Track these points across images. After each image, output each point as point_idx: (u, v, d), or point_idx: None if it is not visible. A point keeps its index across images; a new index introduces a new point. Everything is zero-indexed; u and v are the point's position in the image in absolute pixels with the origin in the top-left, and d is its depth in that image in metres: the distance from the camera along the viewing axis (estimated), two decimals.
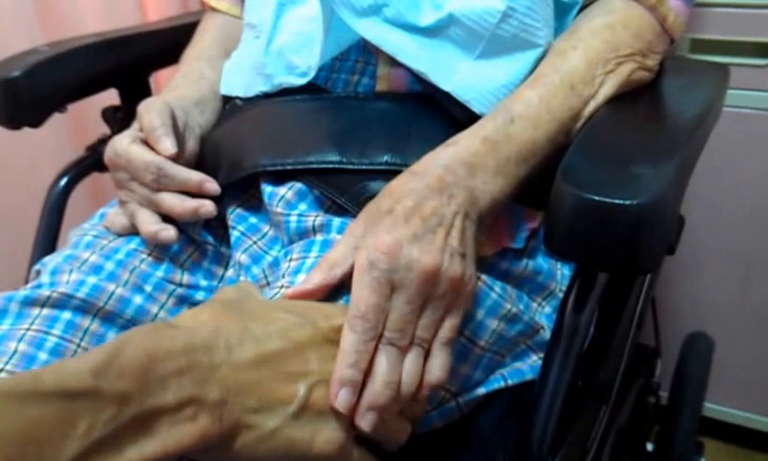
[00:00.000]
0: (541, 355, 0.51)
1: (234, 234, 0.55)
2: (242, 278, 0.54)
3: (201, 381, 0.32)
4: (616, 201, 0.38)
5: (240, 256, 0.54)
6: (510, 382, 0.48)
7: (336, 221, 0.48)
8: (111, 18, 0.98)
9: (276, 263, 0.50)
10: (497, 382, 0.48)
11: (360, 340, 0.37)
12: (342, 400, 0.36)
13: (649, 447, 0.82)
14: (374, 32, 0.51)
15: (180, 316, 0.37)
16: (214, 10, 0.73)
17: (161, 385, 0.31)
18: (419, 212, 0.40)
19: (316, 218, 0.49)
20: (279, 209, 0.51)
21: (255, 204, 0.56)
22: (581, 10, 0.56)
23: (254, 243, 0.54)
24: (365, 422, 0.37)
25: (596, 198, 0.38)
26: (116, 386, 0.29)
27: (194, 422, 0.32)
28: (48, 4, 0.94)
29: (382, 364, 0.38)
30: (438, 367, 0.40)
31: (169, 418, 0.31)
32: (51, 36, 0.78)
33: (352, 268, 0.40)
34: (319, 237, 0.48)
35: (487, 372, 0.48)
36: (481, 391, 0.48)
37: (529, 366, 0.50)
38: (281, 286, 0.45)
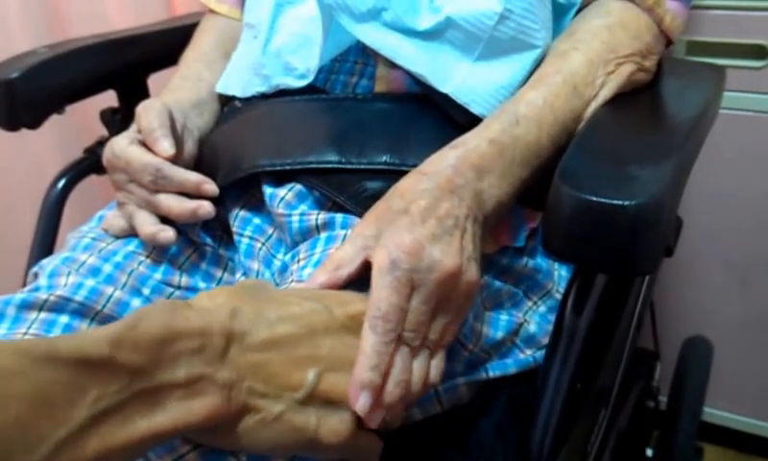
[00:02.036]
0: (527, 352, 0.51)
1: (243, 242, 0.55)
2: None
3: (212, 361, 0.33)
4: (614, 201, 0.38)
5: (254, 265, 0.54)
6: (491, 374, 0.48)
7: (339, 217, 0.48)
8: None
9: (284, 268, 0.50)
10: (478, 374, 0.48)
11: (381, 341, 0.37)
12: (362, 403, 0.36)
13: (649, 452, 0.82)
14: (373, 36, 0.51)
15: (198, 296, 0.37)
16: (214, 12, 0.73)
17: (174, 362, 0.31)
18: (434, 213, 0.40)
19: (318, 216, 0.49)
20: (281, 210, 0.51)
21: (257, 204, 0.56)
22: (578, 12, 0.56)
23: (263, 245, 0.54)
24: (372, 419, 0.37)
25: (594, 198, 0.38)
26: (131, 358, 0.30)
27: (203, 399, 0.32)
28: (60, 7, 0.94)
29: (396, 364, 0.37)
30: (434, 367, 0.40)
31: (179, 393, 0.31)
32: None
33: (359, 269, 0.40)
34: (323, 234, 0.48)
35: (469, 367, 0.48)
36: (461, 381, 0.47)
37: (513, 361, 0.50)
38: (291, 281, 0.45)
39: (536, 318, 0.52)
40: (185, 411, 0.31)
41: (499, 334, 0.49)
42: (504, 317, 0.50)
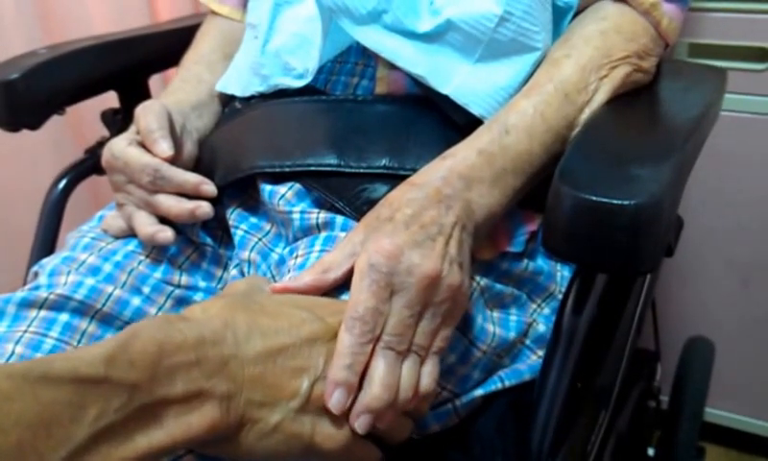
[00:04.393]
0: (539, 353, 0.51)
1: (238, 234, 0.55)
2: (253, 273, 0.54)
3: (209, 374, 0.33)
4: (614, 201, 0.38)
5: (250, 255, 0.54)
6: (507, 383, 0.48)
7: (339, 219, 0.48)
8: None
9: (281, 261, 0.50)
10: (494, 384, 0.48)
11: (356, 342, 0.37)
12: (335, 400, 0.36)
13: (650, 452, 0.82)
14: (373, 38, 0.51)
15: (191, 309, 0.38)
16: (215, 13, 0.73)
17: (170, 377, 0.31)
18: (418, 220, 0.40)
19: (318, 215, 0.49)
20: (282, 207, 0.51)
21: (254, 204, 0.57)
22: (576, 14, 0.56)
23: (260, 240, 0.54)
24: (359, 424, 0.37)
25: (594, 198, 0.38)
26: (127, 375, 0.30)
27: (202, 413, 0.32)
28: (52, 8, 0.94)
29: (380, 367, 0.38)
30: (427, 374, 0.40)
31: (177, 408, 0.31)
32: (55, 40, 0.78)
33: (345, 274, 0.41)
34: (322, 233, 0.48)
35: (485, 373, 0.48)
36: (479, 393, 0.48)
37: (528, 366, 0.50)
38: (288, 278, 0.45)
39: (542, 319, 0.52)
40: (184, 426, 0.31)
41: (511, 335, 0.49)
42: (513, 318, 0.50)
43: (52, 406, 0.27)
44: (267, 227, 0.55)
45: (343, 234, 0.47)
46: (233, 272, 0.56)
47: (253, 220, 0.56)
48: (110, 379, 0.29)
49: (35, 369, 0.28)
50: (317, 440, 0.36)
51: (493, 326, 0.48)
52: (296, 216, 0.50)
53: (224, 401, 0.33)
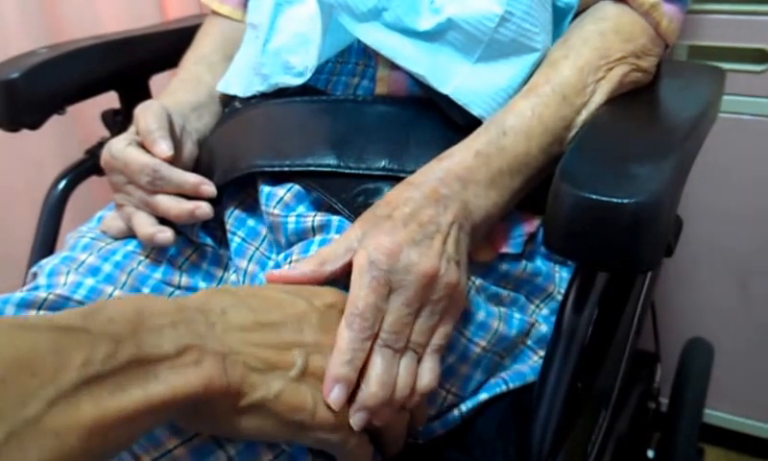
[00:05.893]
0: (541, 354, 0.51)
1: (235, 241, 0.55)
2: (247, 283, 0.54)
3: (197, 334, 0.32)
4: (614, 199, 0.38)
5: (248, 266, 0.54)
6: (511, 385, 0.48)
7: (335, 220, 0.48)
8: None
9: (277, 268, 0.50)
10: (499, 386, 0.48)
11: (356, 338, 0.37)
12: (335, 397, 0.36)
13: (650, 453, 0.82)
14: (374, 36, 0.51)
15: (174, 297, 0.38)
16: (216, 13, 0.73)
17: (156, 334, 0.31)
18: (416, 219, 0.41)
19: (315, 218, 0.49)
20: (277, 211, 0.51)
21: (252, 204, 0.56)
22: (576, 15, 0.56)
23: (257, 249, 0.54)
24: (355, 420, 0.37)
25: (594, 197, 0.38)
26: (107, 328, 0.29)
27: (198, 367, 0.32)
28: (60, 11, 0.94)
29: (377, 365, 0.38)
30: (428, 371, 0.40)
31: (171, 363, 0.31)
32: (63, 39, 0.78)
33: (343, 269, 0.41)
34: (318, 237, 0.48)
35: (487, 373, 0.48)
36: (483, 396, 0.48)
37: (530, 367, 0.50)
38: None
39: (542, 320, 0.52)
40: (182, 380, 0.31)
41: (513, 332, 0.49)
42: (517, 316, 0.50)
43: (33, 350, 0.27)
44: (263, 231, 0.55)
45: (338, 237, 0.47)
46: (232, 276, 0.56)
47: (251, 223, 0.56)
48: (90, 331, 0.29)
49: (12, 319, 0.28)
50: (319, 411, 0.36)
51: (498, 320, 0.48)
52: (291, 220, 0.50)
53: (219, 359, 0.33)
